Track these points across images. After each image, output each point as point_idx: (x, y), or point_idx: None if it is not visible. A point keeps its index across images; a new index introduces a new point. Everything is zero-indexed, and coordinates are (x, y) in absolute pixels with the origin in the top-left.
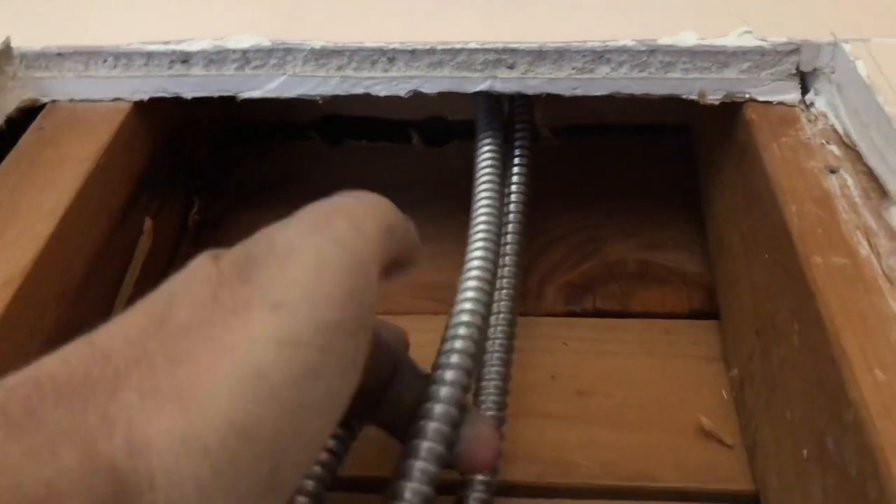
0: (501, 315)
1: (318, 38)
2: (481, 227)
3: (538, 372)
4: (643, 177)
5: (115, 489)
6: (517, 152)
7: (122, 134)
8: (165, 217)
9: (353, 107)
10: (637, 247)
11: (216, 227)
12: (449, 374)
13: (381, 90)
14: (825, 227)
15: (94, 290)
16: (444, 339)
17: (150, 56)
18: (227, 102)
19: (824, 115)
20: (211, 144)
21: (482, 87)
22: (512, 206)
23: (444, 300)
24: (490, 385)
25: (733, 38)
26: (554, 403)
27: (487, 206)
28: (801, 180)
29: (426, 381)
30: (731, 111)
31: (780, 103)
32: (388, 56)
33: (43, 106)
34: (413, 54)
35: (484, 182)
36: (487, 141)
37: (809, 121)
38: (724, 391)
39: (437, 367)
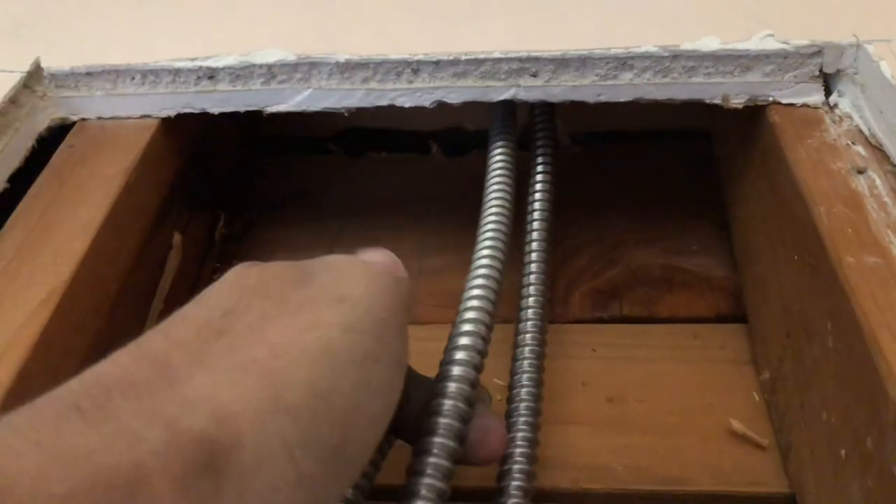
0: (530, 322)
1: (343, 52)
2: (490, 227)
3: (569, 379)
4: (664, 183)
5: (206, 456)
6: (540, 160)
7: (150, 150)
8: (192, 231)
9: (373, 119)
10: (661, 252)
11: (240, 240)
12: (457, 370)
13: (405, 101)
14: (855, 227)
15: (128, 304)
16: (450, 337)
17: (177, 73)
18: (250, 117)
19: (849, 116)
20: (234, 159)
21: (506, 95)
22: (536, 214)
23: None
24: (522, 392)
25: (755, 42)
26: (586, 410)
27: (497, 206)
28: (829, 181)
29: (429, 382)
30: (754, 115)
31: (804, 105)
32: (413, 67)
33: (72, 124)
34: (437, 65)
35: (495, 185)
36: (499, 146)
37: (834, 122)
38: (755, 394)
39: (444, 363)
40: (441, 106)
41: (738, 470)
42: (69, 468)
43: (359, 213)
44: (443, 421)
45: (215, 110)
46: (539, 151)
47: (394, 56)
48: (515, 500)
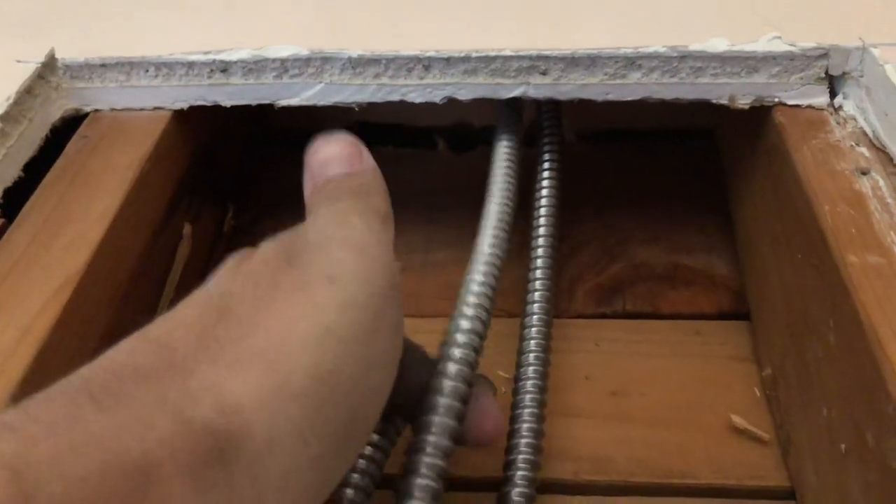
0: (535, 316)
1: (355, 47)
2: (491, 218)
3: (572, 372)
4: (668, 181)
5: (214, 446)
6: (546, 156)
7: (163, 142)
8: (202, 223)
9: (381, 113)
10: (664, 249)
11: (248, 232)
12: (457, 352)
13: (416, 97)
14: (858, 227)
15: (140, 294)
16: (451, 320)
17: (190, 66)
18: (260, 112)
19: (853, 119)
20: (243, 152)
21: (516, 93)
22: (542, 210)
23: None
24: (528, 384)
25: (763, 44)
26: (589, 403)
27: (499, 198)
28: (833, 182)
29: (432, 363)
30: (759, 115)
31: (809, 107)
32: (424, 64)
33: (86, 115)
34: (448, 62)
35: (498, 180)
36: (504, 141)
37: (838, 124)
38: (756, 390)
39: (444, 344)
40: (450, 102)
41: (738, 464)
42: (83, 454)
43: None
44: (443, 400)
45: (228, 103)
46: (546, 148)
47: (405, 52)
48: (521, 489)
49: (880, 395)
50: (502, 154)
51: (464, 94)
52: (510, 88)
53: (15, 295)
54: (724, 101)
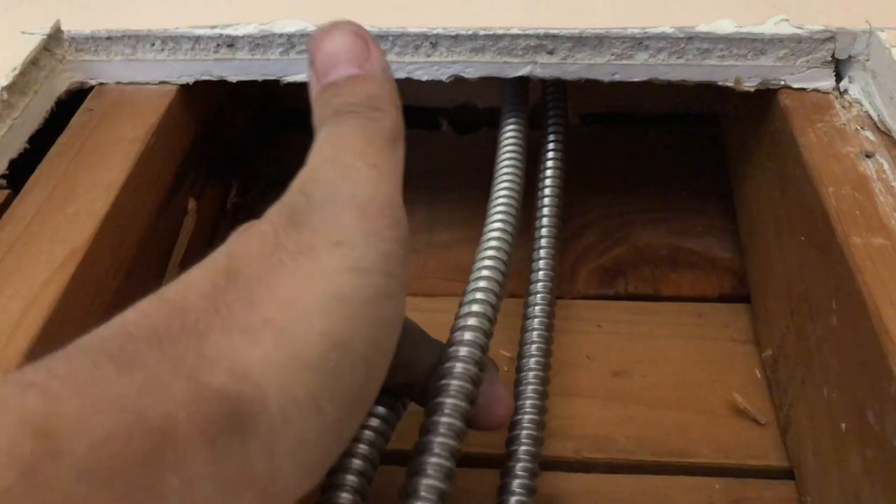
0: (539, 295)
1: (362, 24)
2: (500, 201)
3: (574, 352)
4: (671, 165)
5: (230, 413)
6: (551, 137)
7: (168, 116)
8: (206, 199)
9: None
10: (666, 232)
11: (251, 210)
12: (468, 335)
13: (422, 75)
14: (863, 210)
15: (145, 267)
16: (461, 305)
17: (196, 40)
18: (265, 89)
19: (858, 102)
20: (248, 130)
21: (523, 72)
22: (547, 191)
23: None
24: (531, 361)
25: (770, 26)
26: (590, 383)
27: (508, 181)
28: (838, 164)
29: (439, 344)
30: (764, 98)
31: (815, 90)
32: (431, 41)
33: (91, 88)
34: (455, 39)
35: (505, 161)
36: (510, 123)
37: (844, 107)
38: (756, 371)
39: (455, 328)
40: (454, 83)
41: (738, 443)
42: (106, 413)
43: None
44: (455, 383)
45: (233, 78)
46: (550, 129)
47: (413, 29)
48: (524, 464)
49: (882, 374)
50: (509, 134)
51: (471, 73)
52: (517, 67)
53: (21, 266)
54: (729, 84)
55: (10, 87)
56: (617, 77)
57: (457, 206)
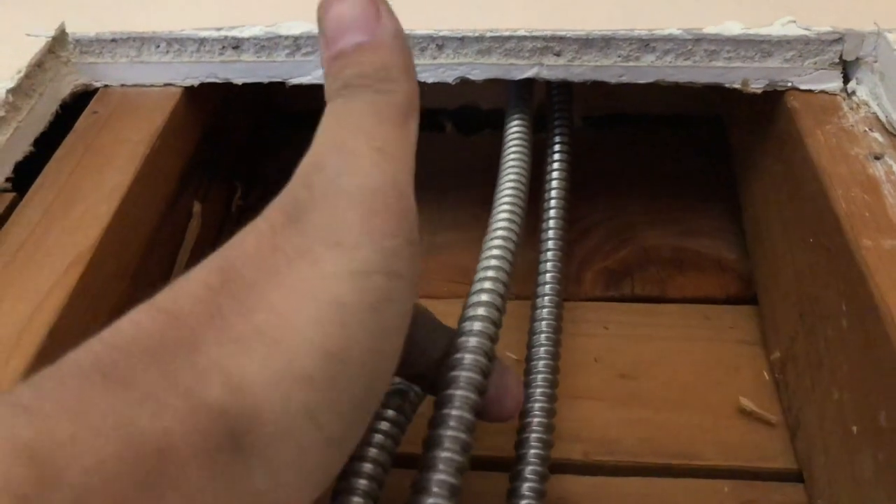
0: (547, 297)
1: None
2: (505, 202)
3: (581, 355)
4: (676, 167)
5: (227, 430)
6: (557, 139)
7: (173, 118)
8: (211, 202)
9: None
10: (672, 234)
11: (256, 213)
12: (477, 325)
13: (428, 77)
14: (872, 211)
15: (150, 271)
16: (469, 295)
17: (202, 42)
18: (270, 92)
19: (866, 104)
20: (252, 132)
21: (529, 74)
22: (553, 192)
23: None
24: (540, 364)
25: (777, 28)
26: (598, 385)
27: (513, 182)
28: (846, 166)
29: (451, 331)
30: (771, 100)
31: (822, 92)
32: (438, 43)
33: (95, 91)
34: (462, 41)
35: (511, 162)
36: (515, 124)
37: (851, 109)
38: (764, 373)
39: (464, 320)
40: (458, 84)
41: (746, 446)
42: (99, 435)
43: None
44: (464, 374)
45: (239, 80)
46: (556, 131)
47: (419, 31)
48: (533, 468)
49: (894, 376)
50: (514, 135)
51: (477, 75)
52: (523, 69)
53: (27, 269)
54: (736, 85)
55: (14, 90)
56: (623, 79)
57: (460, 207)
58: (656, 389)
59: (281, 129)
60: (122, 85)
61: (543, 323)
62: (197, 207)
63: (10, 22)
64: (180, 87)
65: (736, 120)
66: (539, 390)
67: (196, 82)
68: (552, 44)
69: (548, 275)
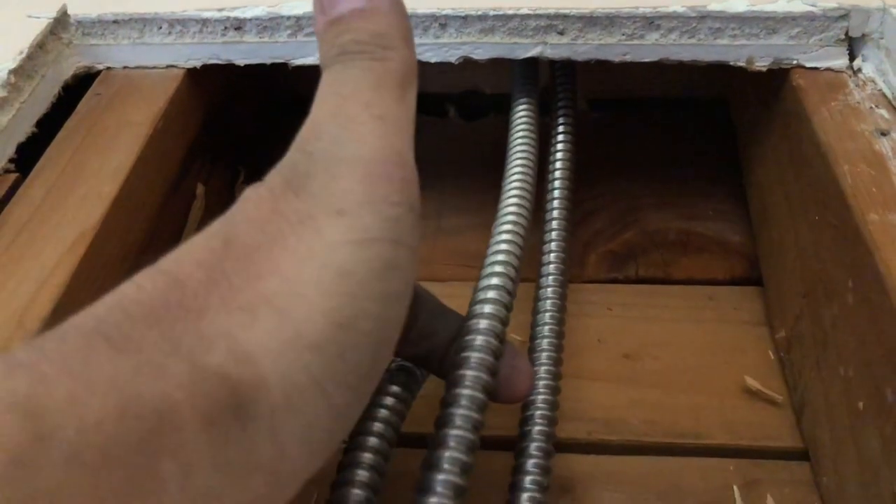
0: (551, 277)
1: None
2: (515, 182)
3: (585, 336)
4: (680, 150)
5: (230, 397)
6: (561, 121)
7: (176, 100)
8: (213, 186)
9: None
10: (677, 216)
11: None
12: (488, 308)
13: (431, 56)
14: (879, 186)
15: (153, 253)
16: (480, 278)
17: (204, 23)
18: (272, 76)
19: (872, 81)
20: (254, 116)
21: (533, 53)
22: (557, 173)
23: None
24: (544, 342)
25: (782, 4)
26: (602, 366)
27: (521, 164)
28: (853, 142)
29: (458, 316)
30: (776, 78)
31: (828, 69)
32: (440, 22)
33: (97, 73)
34: (465, 20)
35: (518, 144)
36: (522, 106)
37: (857, 86)
38: (769, 353)
39: (474, 303)
40: (460, 68)
41: (751, 425)
42: (99, 396)
43: None
44: (476, 355)
45: (241, 62)
46: (560, 114)
47: (421, 10)
48: (538, 444)
49: None
50: (521, 118)
51: (480, 54)
52: (527, 48)
53: (30, 249)
54: (741, 64)
55: (17, 71)
56: (628, 57)
57: (465, 192)
58: (660, 370)
59: (284, 113)
60: (125, 67)
61: (548, 303)
62: (200, 189)
63: (12, 3)
64: (183, 68)
65: (741, 100)
66: (544, 368)
67: (198, 64)
68: (556, 22)
69: (552, 255)
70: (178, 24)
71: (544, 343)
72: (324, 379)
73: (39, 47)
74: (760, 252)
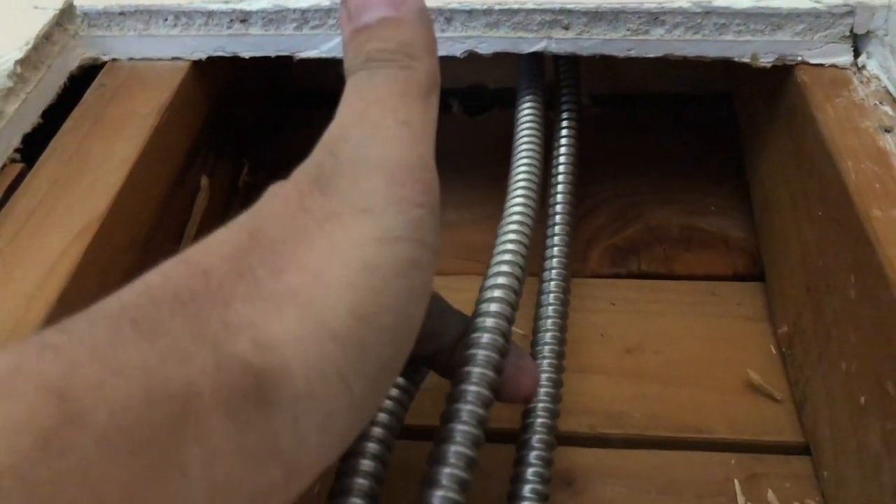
0: (554, 271)
1: None
2: (521, 178)
3: (587, 330)
4: (682, 146)
5: (253, 384)
6: (565, 115)
7: (181, 92)
8: (218, 178)
9: None
10: (679, 212)
11: (262, 189)
12: (494, 307)
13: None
14: (883, 183)
15: (159, 243)
16: (486, 276)
17: (210, 15)
18: (277, 69)
19: (877, 77)
20: (259, 109)
21: (537, 47)
22: (561, 168)
23: (488, 262)
24: (547, 335)
25: (788, 0)
26: (604, 360)
27: (527, 157)
28: (857, 139)
29: (463, 317)
30: (781, 75)
31: (832, 66)
32: (446, 16)
33: (103, 64)
34: (470, 14)
35: (524, 138)
36: (528, 101)
37: (862, 83)
38: (771, 348)
39: (481, 301)
40: (464, 62)
41: (753, 420)
42: (126, 380)
43: None
44: (482, 353)
45: (247, 54)
46: (564, 108)
47: (427, 4)
48: (540, 436)
49: None
50: (527, 113)
51: (485, 48)
52: (532, 42)
53: (36, 238)
54: (746, 60)
55: (23, 61)
56: (632, 53)
57: (468, 186)
58: (663, 364)
59: (289, 107)
60: (130, 58)
61: (551, 296)
62: (205, 181)
63: None
64: (188, 60)
65: (745, 97)
66: (546, 361)
67: (204, 56)
68: (561, 17)
69: (555, 249)
70: (183, 16)
71: (547, 336)
72: (345, 369)
73: (45, 38)
74: (763, 247)
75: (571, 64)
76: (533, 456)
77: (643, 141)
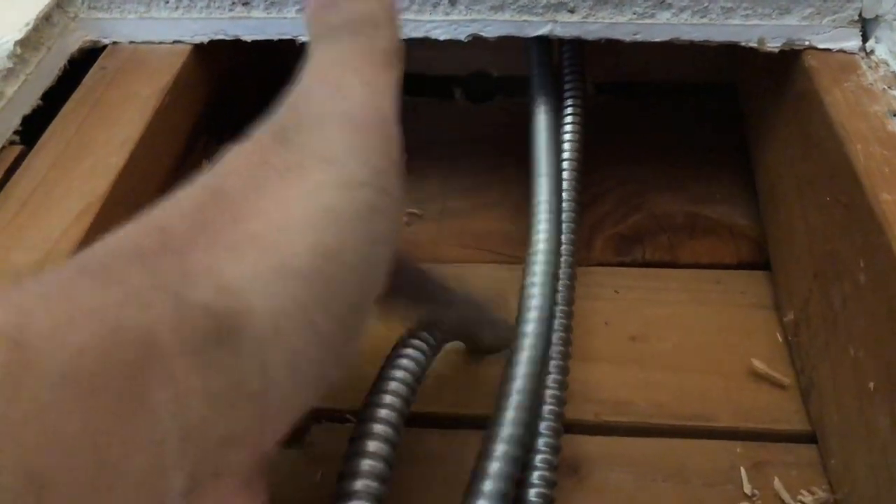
0: (563, 258)
1: None
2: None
3: (592, 318)
4: (687, 134)
5: (214, 326)
6: (569, 103)
7: (182, 75)
8: None
9: None
10: (684, 200)
11: None
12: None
13: (440, 34)
14: (892, 167)
15: None
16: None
17: None
18: (278, 52)
19: (885, 62)
20: (260, 96)
21: (542, 31)
22: (566, 154)
23: (491, 249)
24: (553, 323)
25: None
26: (609, 348)
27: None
28: (866, 123)
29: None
30: (788, 60)
31: (841, 51)
32: None
33: (103, 47)
34: None
35: (543, 140)
36: (544, 100)
37: (870, 67)
38: (777, 336)
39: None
40: (467, 48)
41: (758, 408)
42: (81, 326)
43: None
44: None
45: (248, 37)
46: (568, 96)
47: None
48: (548, 423)
49: None
50: (543, 105)
51: (489, 32)
52: (536, 26)
53: (36, 218)
54: (753, 44)
55: (23, 42)
56: (638, 37)
57: (471, 174)
58: (667, 352)
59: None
60: (131, 41)
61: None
62: (206, 166)
63: None
64: (189, 44)
65: (750, 83)
66: (554, 349)
67: (205, 39)
68: (566, 0)
69: (561, 236)
70: None
71: (554, 324)
72: (310, 306)
73: (46, 19)
74: (769, 234)
75: (576, 51)
76: (541, 443)
77: (647, 129)
